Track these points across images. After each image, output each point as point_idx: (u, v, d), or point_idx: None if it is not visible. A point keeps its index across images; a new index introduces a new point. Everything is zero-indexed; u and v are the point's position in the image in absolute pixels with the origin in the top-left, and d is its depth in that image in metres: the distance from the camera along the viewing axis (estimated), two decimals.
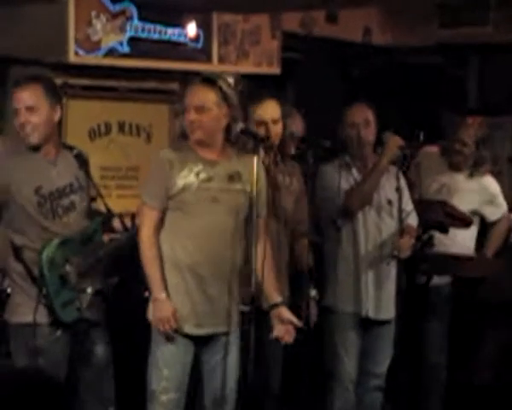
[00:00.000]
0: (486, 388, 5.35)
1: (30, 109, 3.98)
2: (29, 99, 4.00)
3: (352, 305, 4.80)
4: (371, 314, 4.79)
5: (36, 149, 4.05)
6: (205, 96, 3.96)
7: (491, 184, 5.62)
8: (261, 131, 4.21)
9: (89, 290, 4.05)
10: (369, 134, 4.84)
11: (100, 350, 4.17)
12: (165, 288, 3.94)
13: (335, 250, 4.83)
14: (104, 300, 4.21)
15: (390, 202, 4.79)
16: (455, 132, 5.51)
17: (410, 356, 5.19)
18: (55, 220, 4.05)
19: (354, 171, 4.87)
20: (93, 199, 4.32)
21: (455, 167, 5.53)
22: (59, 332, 3.99)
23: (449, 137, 5.59)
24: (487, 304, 5.43)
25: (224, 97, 3.97)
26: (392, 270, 4.81)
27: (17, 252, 3.98)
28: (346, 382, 4.83)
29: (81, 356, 4.13)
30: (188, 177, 3.95)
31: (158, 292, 3.93)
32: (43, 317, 3.95)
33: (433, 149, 5.57)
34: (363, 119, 4.83)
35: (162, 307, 3.92)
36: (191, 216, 3.95)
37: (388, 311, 4.82)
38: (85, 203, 4.21)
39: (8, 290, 4.24)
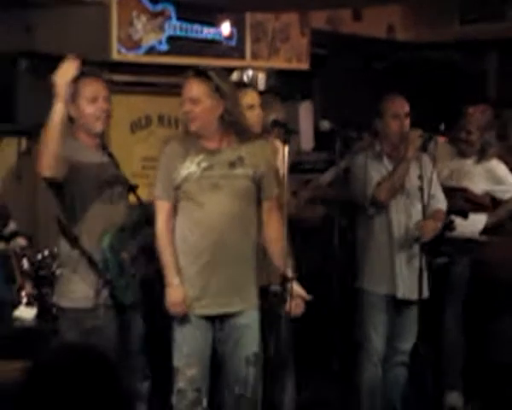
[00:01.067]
0: (505, 365, 5.33)
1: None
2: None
3: (386, 287, 4.80)
4: (403, 295, 4.80)
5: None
6: (197, 89, 3.94)
7: (497, 167, 5.61)
8: (251, 115, 4.10)
9: (137, 276, 4.10)
10: (408, 125, 4.85)
11: (136, 329, 4.17)
12: (178, 274, 3.96)
13: (368, 235, 4.83)
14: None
15: (420, 188, 4.78)
16: (460, 122, 5.52)
17: (431, 334, 5.18)
18: (112, 206, 4.04)
19: (385, 160, 4.87)
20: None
21: (463, 154, 5.54)
22: (111, 314, 3.98)
23: (457, 127, 5.59)
24: (505, 285, 5.40)
25: (217, 88, 3.94)
26: (415, 250, 4.82)
27: (74, 241, 3.95)
28: (374, 358, 4.84)
29: (121, 335, 4.13)
30: (190, 167, 3.95)
31: (171, 278, 3.96)
32: (97, 299, 3.94)
33: (442, 139, 5.58)
34: (404, 111, 4.84)
35: (174, 292, 3.95)
36: (195, 204, 3.95)
37: (416, 291, 4.82)
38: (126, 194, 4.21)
39: (57, 273, 4.25)
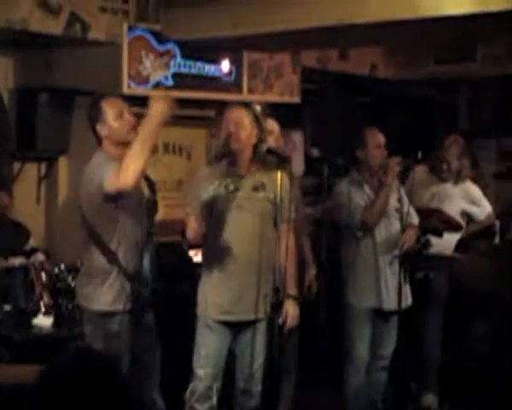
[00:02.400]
0: (475, 369, 5.31)
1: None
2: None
3: (372, 300, 4.79)
4: (388, 307, 4.79)
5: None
6: (242, 115, 4.03)
7: (471, 188, 5.72)
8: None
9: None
10: (384, 155, 4.86)
11: (150, 335, 4.11)
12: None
13: (355, 255, 4.82)
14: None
15: (397, 210, 4.80)
16: (439, 153, 5.60)
17: (410, 341, 5.16)
18: (141, 221, 3.96)
19: (366, 187, 4.86)
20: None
21: (442, 179, 5.60)
22: (131, 320, 3.92)
23: (435, 157, 5.64)
24: (476, 296, 5.40)
25: (256, 120, 4.04)
26: (397, 266, 4.81)
27: (112, 255, 3.86)
28: (359, 365, 4.82)
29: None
30: (218, 189, 4.00)
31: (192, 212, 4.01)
32: (122, 305, 3.88)
33: (422, 167, 5.62)
34: (383, 141, 4.86)
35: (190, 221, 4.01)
36: (221, 221, 3.98)
37: (395, 302, 4.80)
38: None
39: (83, 281, 4.01)
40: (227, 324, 4.03)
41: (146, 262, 3.93)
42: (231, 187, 4.01)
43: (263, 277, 4.02)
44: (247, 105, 4.13)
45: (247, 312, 4.02)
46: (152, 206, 4.09)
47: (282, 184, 4.02)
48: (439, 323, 5.47)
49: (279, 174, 3.99)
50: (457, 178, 5.62)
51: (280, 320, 4.04)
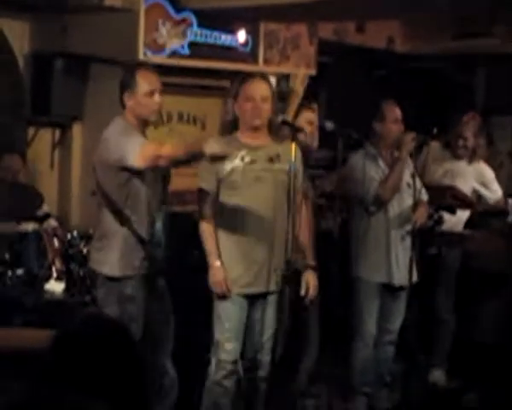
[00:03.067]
0: (487, 346, 5.31)
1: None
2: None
3: (383, 275, 4.77)
4: (399, 282, 4.78)
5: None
6: (266, 89, 4.02)
7: (485, 169, 5.65)
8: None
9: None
10: (401, 129, 4.83)
11: (163, 303, 4.10)
12: (219, 256, 3.98)
13: (366, 229, 4.80)
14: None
15: (409, 185, 4.77)
16: (456, 129, 5.52)
17: (422, 316, 5.17)
18: (152, 189, 3.95)
19: (380, 162, 4.83)
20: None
21: (457, 156, 5.55)
22: (143, 283, 3.93)
23: (451, 133, 5.58)
24: (488, 274, 5.39)
25: (273, 93, 4.05)
26: (408, 242, 4.79)
27: (126, 219, 3.86)
28: (367, 339, 4.82)
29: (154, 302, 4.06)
30: (234, 161, 3.96)
31: (213, 261, 3.98)
32: (136, 269, 3.89)
33: (436, 143, 5.57)
34: (400, 116, 4.82)
35: (216, 272, 3.97)
36: (239, 193, 3.96)
37: (406, 277, 4.80)
38: None
39: (97, 245, 4.00)
40: (245, 296, 4.03)
41: (158, 226, 3.96)
42: (247, 159, 3.98)
43: (276, 249, 4.02)
44: (265, 77, 4.09)
45: (264, 284, 4.03)
46: (165, 175, 4.10)
47: (297, 155, 4.02)
48: (451, 298, 5.46)
49: (293, 146, 3.98)
50: (472, 157, 5.56)
51: (302, 291, 4.11)
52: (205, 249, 4.02)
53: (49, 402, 1.37)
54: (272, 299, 4.07)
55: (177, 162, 3.73)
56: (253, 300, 4.06)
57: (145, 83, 3.88)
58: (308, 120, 4.56)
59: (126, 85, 3.89)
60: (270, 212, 4.00)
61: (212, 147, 3.52)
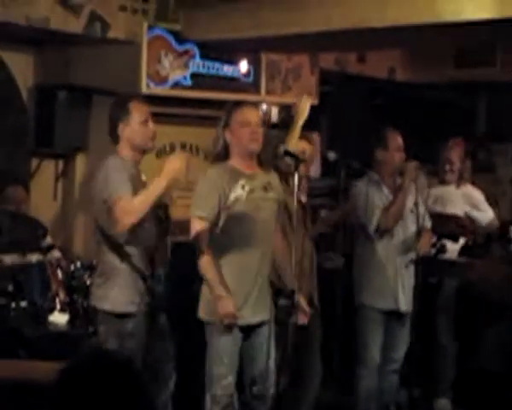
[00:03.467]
0: (491, 374, 5.30)
1: None
2: None
3: (388, 302, 4.78)
4: (404, 308, 4.79)
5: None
6: (258, 115, 4.07)
7: (474, 191, 5.69)
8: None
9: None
10: (404, 158, 4.86)
11: (165, 342, 4.10)
12: (225, 287, 3.89)
13: (370, 256, 4.81)
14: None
15: (412, 211, 4.80)
16: (442, 155, 5.57)
17: (423, 344, 5.16)
18: (155, 226, 3.96)
19: (384, 189, 4.86)
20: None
21: (444, 182, 5.58)
22: (145, 320, 3.92)
23: (438, 158, 5.62)
24: (491, 302, 5.39)
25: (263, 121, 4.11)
26: (412, 269, 4.81)
27: (125, 255, 3.87)
28: (371, 366, 4.82)
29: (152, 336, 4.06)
30: (235, 189, 3.94)
31: (220, 291, 3.86)
32: (136, 305, 3.89)
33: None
34: (402, 144, 4.85)
35: (226, 303, 3.85)
36: (242, 223, 3.94)
37: (410, 304, 4.81)
38: None
39: (98, 281, 4.01)
40: (240, 328, 3.97)
41: (158, 261, 3.93)
42: (247, 188, 3.97)
43: (268, 278, 4.05)
44: (255, 105, 4.12)
45: (261, 313, 4.02)
46: (166, 227, 4.11)
47: (280, 185, 4.09)
48: (451, 325, 5.46)
49: (296, 176, 4.00)
50: (459, 181, 5.60)
51: (299, 319, 4.09)
52: (208, 281, 3.90)
53: None
54: (271, 328, 4.05)
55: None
56: (248, 331, 4.01)
57: (138, 112, 3.93)
58: (301, 149, 4.49)
59: (119, 117, 3.92)
60: (268, 241, 4.02)
61: (175, 160, 3.66)
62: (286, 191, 4.25)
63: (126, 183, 3.78)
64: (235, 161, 3.99)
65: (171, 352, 4.10)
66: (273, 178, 4.08)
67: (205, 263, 3.90)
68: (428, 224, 4.95)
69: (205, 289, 3.99)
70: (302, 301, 4.21)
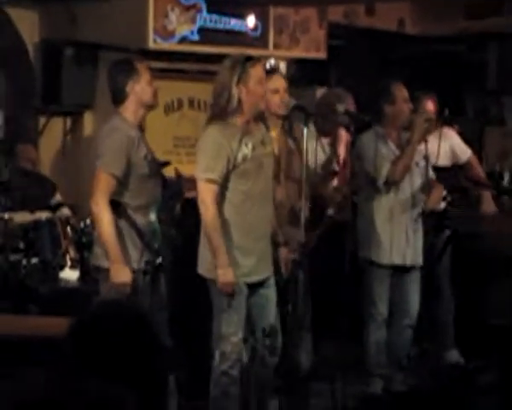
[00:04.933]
0: (503, 327, 5.30)
1: None
2: None
3: (393, 257, 4.77)
4: (411, 262, 4.79)
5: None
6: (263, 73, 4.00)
7: (450, 136, 5.46)
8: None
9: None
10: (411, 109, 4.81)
11: (161, 287, 4.10)
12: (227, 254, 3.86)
13: (377, 209, 4.80)
14: None
15: (417, 165, 4.77)
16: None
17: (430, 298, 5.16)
18: (150, 181, 3.97)
19: (390, 143, 4.82)
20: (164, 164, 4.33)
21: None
22: (149, 276, 3.93)
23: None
24: (503, 255, 5.38)
25: None
26: (420, 223, 4.79)
27: (124, 212, 3.87)
28: (379, 320, 4.83)
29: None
30: (241, 148, 3.88)
31: (223, 260, 3.83)
32: (137, 264, 3.89)
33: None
34: (408, 95, 4.80)
35: (227, 273, 3.84)
36: (249, 181, 3.91)
37: (419, 258, 4.80)
38: None
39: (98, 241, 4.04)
40: (247, 284, 3.97)
41: (153, 217, 3.92)
42: (250, 145, 3.90)
43: (269, 233, 4.06)
44: (260, 61, 4.06)
45: (267, 270, 4.04)
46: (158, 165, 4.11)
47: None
48: (450, 277, 5.45)
49: (305, 130, 3.98)
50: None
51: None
52: (212, 245, 3.84)
53: (72, 390, 1.39)
54: (273, 282, 4.06)
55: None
56: (253, 287, 4.01)
57: (145, 72, 3.98)
58: (273, 88, 4.30)
59: (129, 75, 3.92)
60: (270, 197, 4.01)
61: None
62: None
63: (118, 162, 3.82)
64: (241, 118, 3.90)
65: (164, 301, 4.09)
66: (264, 130, 4.03)
67: (212, 227, 3.83)
68: (433, 175, 4.93)
69: (205, 247, 3.95)
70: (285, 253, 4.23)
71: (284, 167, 4.34)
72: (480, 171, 5.52)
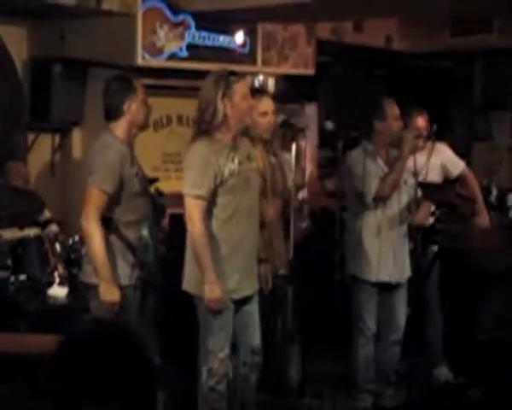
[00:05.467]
0: (490, 343, 5.32)
1: None
2: None
3: (380, 274, 4.78)
4: (395, 279, 4.80)
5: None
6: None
7: (442, 150, 5.48)
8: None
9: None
10: (401, 126, 4.83)
11: (151, 303, 4.10)
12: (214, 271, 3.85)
13: (363, 225, 4.81)
14: None
15: (405, 182, 4.79)
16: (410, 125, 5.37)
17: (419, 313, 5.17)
18: (141, 198, 3.96)
19: (379, 160, 4.83)
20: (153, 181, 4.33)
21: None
22: (139, 292, 3.93)
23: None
24: (490, 271, 5.39)
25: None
26: (406, 240, 4.81)
27: (115, 228, 3.86)
28: (368, 335, 4.83)
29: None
30: (228, 164, 3.87)
31: (211, 276, 3.81)
32: (128, 279, 3.88)
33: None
34: (397, 113, 4.81)
35: (215, 289, 3.83)
36: (237, 196, 3.90)
37: (405, 274, 4.82)
38: None
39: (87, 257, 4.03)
40: (233, 300, 3.97)
41: (145, 233, 3.91)
42: (236, 160, 3.90)
43: (256, 249, 4.06)
44: (244, 76, 4.08)
45: (252, 286, 4.03)
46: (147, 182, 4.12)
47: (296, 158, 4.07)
48: (440, 293, 5.46)
49: (293, 146, 4.00)
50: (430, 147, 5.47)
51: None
52: (199, 261, 3.82)
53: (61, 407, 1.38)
54: (257, 299, 4.05)
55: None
56: (239, 304, 4.00)
57: (141, 91, 3.96)
58: (262, 111, 4.34)
59: (127, 93, 3.90)
60: (257, 212, 4.01)
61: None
62: None
63: (111, 178, 3.79)
64: (225, 134, 3.88)
65: (157, 340, 4.11)
66: (250, 146, 4.03)
67: (200, 243, 3.82)
68: (418, 193, 4.95)
69: (191, 263, 3.93)
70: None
71: (269, 184, 4.35)
72: (473, 184, 5.52)
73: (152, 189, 4.28)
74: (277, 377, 4.32)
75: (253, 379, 4.05)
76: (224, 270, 3.90)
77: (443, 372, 5.44)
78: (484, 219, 5.37)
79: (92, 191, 3.81)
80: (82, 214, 3.81)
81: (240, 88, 3.89)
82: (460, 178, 5.51)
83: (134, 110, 3.90)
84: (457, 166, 5.49)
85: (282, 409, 4.38)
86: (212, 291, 3.83)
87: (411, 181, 4.76)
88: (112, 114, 3.93)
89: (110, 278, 3.77)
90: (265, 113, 4.33)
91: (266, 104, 4.36)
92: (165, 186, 4.50)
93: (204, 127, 3.87)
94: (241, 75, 4.08)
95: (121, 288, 3.84)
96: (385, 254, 4.77)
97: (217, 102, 3.82)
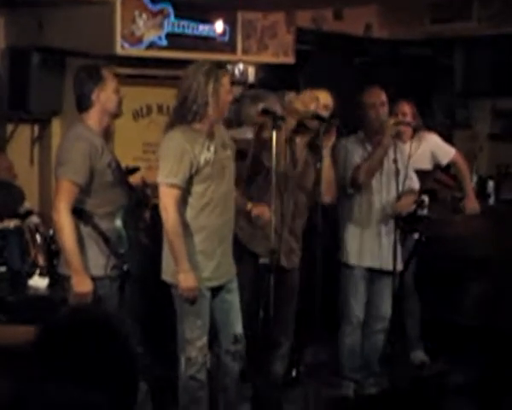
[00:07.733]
0: (471, 328, 5.35)
1: None
2: None
3: (366, 260, 4.80)
4: (382, 267, 4.81)
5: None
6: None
7: (430, 139, 5.55)
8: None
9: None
10: (384, 113, 4.82)
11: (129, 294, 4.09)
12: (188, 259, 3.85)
13: (349, 213, 4.83)
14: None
15: (398, 172, 4.78)
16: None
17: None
18: (116, 188, 3.95)
19: (368, 146, 4.85)
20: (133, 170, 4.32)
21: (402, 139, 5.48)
22: (117, 283, 3.92)
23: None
24: (471, 258, 5.42)
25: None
26: (392, 227, 4.83)
27: (89, 219, 3.85)
28: (354, 323, 4.85)
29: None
30: (203, 152, 3.87)
31: (184, 264, 3.83)
32: (103, 270, 3.86)
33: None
34: (379, 100, 4.81)
35: (189, 277, 3.84)
36: (212, 185, 3.90)
37: (391, 262, 4.83)
38: None
39: None
40: (210, 288, 3.98)
41: (118, 223, 3.90)
42: (212, 148, 3.90)
43: (231, 237, 4.06)
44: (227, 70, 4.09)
45: (228, 273, 4.04)
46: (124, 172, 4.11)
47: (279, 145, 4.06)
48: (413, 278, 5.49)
49: (274, 134, 3.99)
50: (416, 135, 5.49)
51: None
52: (173, 250, 3.82)
53: (39, 397, 1.37)
54: (236, 286, 4.06)
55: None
56: (216, 291, 4.01)
57: (112, 80, 3.95)
58: (324, 103, 4.54)
59: (95, 82, 3.89)
60: (232, 200, 4.01)
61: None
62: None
63: (81, 170, 3.78)
64: (204, 123, 3.88)
65: (137, 331, 4.10)
66: (225, 133, 4.05)
67: (174, 232, 3.81)
68: (416, 184, 4.94)
69: (168, 252, 3.94)
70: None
71: (297, 178, 4.40)
72: (464, 169, 5.58)
73: (138, 179, 4.27)
74: (262, 366, 4.32)
75: (236, 368, 4.05)
76: (199, 258, 3.90)
77: (418, 355, 5.48)
78: (473, 203, 5.42)
79: (62, 183, 3.79)
80: (53, 207, 3.78)
81: (226, 81, 3.91)
82: (451, 165, 5.56)
83: (103, 99, 3.88)
84: (447, 153, 5.53)
85: (265, 398, 4.38)
86: (186, 280, 3.84)
87: (404, 172, 4.75)
88: (82, 104, 3.92)
89: (82, 269, 3.75)
90: (327, 106, 4.49)
91: (326, 98, 4.53)
92: (147, 176, 4.48)
93: (182, 116, 3.86)
94: (225, 68, 4.09)
95: (97, 279, 3.83)
96: (373, 242, 4.78)
97: (208, 92, 3.82)
